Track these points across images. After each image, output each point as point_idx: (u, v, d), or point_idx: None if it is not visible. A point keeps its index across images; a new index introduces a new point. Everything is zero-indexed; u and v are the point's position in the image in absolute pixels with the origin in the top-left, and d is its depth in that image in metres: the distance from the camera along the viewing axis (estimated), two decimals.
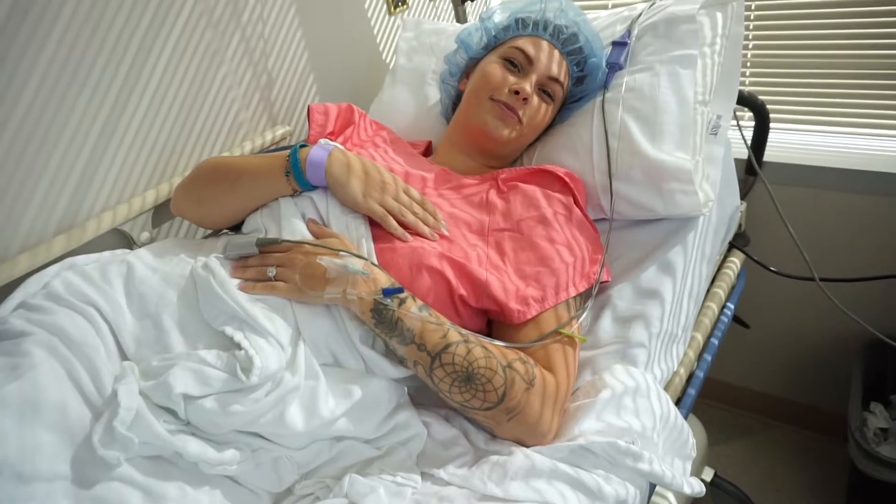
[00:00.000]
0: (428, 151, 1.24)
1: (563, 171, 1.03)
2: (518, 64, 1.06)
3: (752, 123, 1.43)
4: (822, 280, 1.24)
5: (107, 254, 0.95)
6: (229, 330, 0.78)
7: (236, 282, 0.84)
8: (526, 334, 0.87)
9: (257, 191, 0.94)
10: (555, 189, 1.01)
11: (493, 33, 1.11)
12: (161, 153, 1.15)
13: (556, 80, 1.06)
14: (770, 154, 1.49)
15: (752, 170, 1.44)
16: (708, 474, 1.40)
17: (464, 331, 0.81)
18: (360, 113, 1.18)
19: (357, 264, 0.82)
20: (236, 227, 1.02)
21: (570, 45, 1.07)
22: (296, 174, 0.90)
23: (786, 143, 1.59)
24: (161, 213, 1.15)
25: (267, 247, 0.88)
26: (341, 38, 1.45)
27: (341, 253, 0.84)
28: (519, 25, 1.09)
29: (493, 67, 1.06)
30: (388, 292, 0.81)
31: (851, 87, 1.48)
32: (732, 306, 1.30)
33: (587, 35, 1.09)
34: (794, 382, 1.80)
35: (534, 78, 1.04)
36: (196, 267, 0.86)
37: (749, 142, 1.40)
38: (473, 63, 1.14)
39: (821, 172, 1.50)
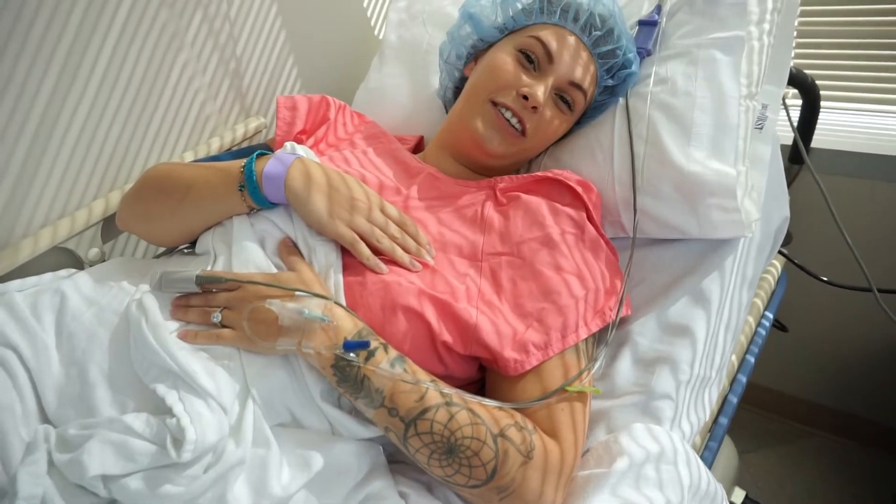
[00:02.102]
0: (419, 149, 1.07)
1: (574, 179, 0.85)
2: (535, 60, 0.86)
3: (798, 102, 1.23)
4: (881, 291, 1.05)
5: (48, 276, 0.83)
6: (161, 389, 0.66)
7: (175, 325, 0.70)
8: (524, 389, 0.72)
9: (207, 208, 0.79)
10: (564, 202, 0.84)
11: (511, 13, 0.91)
12: (111, 156, 0.99)
13: (578, 86, 0.87)
14: (817, 139, 1.28)
15: (796, 157, 1.25)
16: (738, 496, 1.26)
17: (447, 390, 0.67)
18: (339, 106, 1.01)
19: (315, 309, 0.67)
20: (196, 243, 0.88)
21: (602, 44, 0.88)
22: (251, 189, 0.75)
23: (836, 126, 1.38)
24: (112, 225, 1.01)
25: (208, 284, 0.73)
26: (324, 13, 1.26)
27: (298, 293, 0.69)
28: (544, 9, 0.88)
29: (503, 60, 0.87)
30: (350, 346, 0.66)
31: None
32: (771, 315, 1.13)
33: (623, 32, 0.88)
34: (836, 389, 1.63)
35: (551, 81, 0.85)
36: (132, 303, 0.72)
37: (795, 125, 1.20)
38: (484, 46, 0.95)
39: (877, 161, 1.29)
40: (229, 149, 1.12)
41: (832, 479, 1.59)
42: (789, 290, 1.25)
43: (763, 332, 1.09)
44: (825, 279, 1.19)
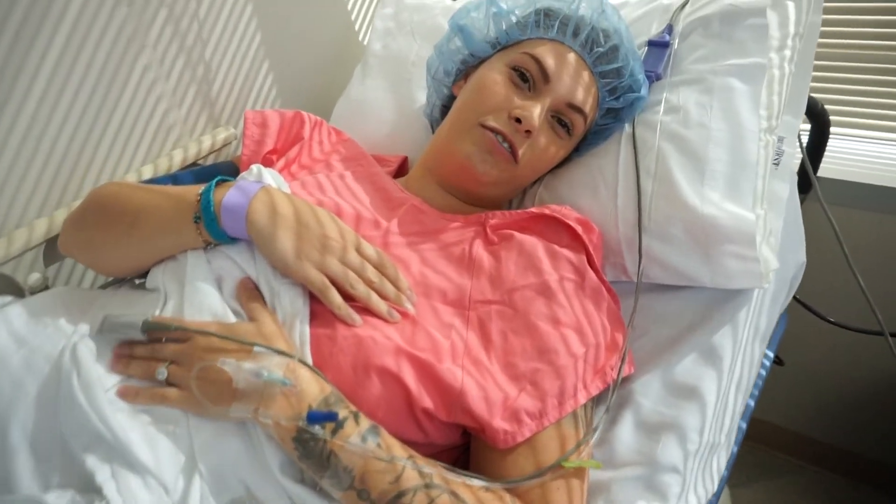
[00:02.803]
0: (402, 171, 0.97)
1: (574, 218, 0.77)
2: (530, 79, 0.78)
3: (806, 128, 1.15)
4: (892, 335, 0.98)
5: None
6: (92, 462, 0.56)
7: (114, 380, 0.61)
8: (515, 463, 0.63)
9: (157, 241, 0.70)
10: (562, 242, 0.75)
11: (504, 27, 0.82)
12: (58, 168, 0.89)
13: (578, 109, 0.78)
14: (824, 168, 1.21)
15: (804, 186, 1.17)
16: None
17: (426, 468, 0.58)
18: (315, 122, 0.91)
19: (276, 369, 0.58)
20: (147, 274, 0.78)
21: (606, 63, 0.79)
22: (208, 222, 0.66)
23: (845, 155, 1.31)
24: (57, 248, 0.90)
25: (156, 332, 0.63)
26: (304, 16, 1.16)
27: (257, 349, 0.60)
28: (540, 23, 0.79)
29: (493, 79, 0.78)
30: (314, 417, 0.57)
31: None
32: (771, 354, 1.06)
33: (630, 51, 0.80)
34: (826, 422, 1.58)
35: (548, 101, 0.77)
36: (65, 350, 0.62)
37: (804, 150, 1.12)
38: (475, 62, 0.86)
39: (886, 193, 1.22)
40: (194, 162, 1.02)
41: None
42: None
43: (763, 374, 1.02)
44: (832, 320, 1.11)
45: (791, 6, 0.82)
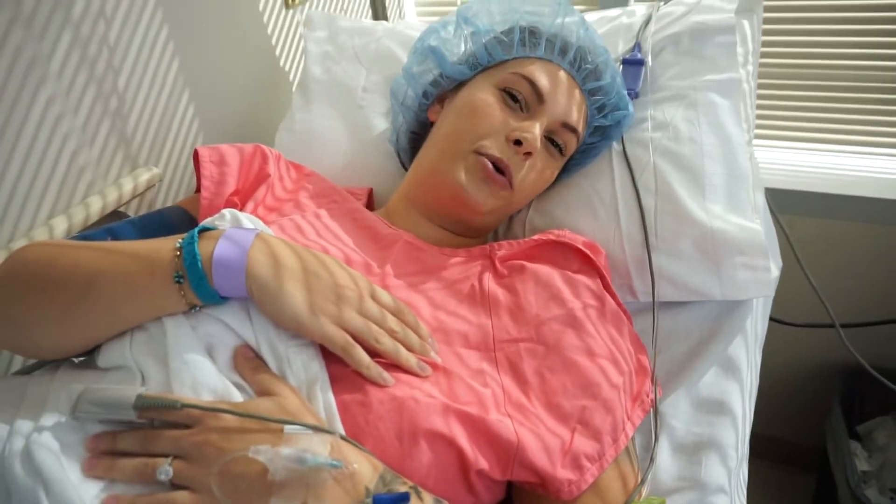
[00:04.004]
0: (370, 205, 0.89)
1: (581, 241, 0.73)
2: (521, 100, 0.74)
3: None
4: (843, 326, 1.04)
5: None
6: None
7: (96, 489, 0.48)
8: None
9: (122, 310, 0.57)
10: (573, 268, 0.72)
11: (486, 47, 0.77)
12: None
13: (572, 128, 0.75)
14: (772, 179, 1.25)
15: None
16: None
17: None
18: (276, 156, 0.81)
19: (320, 450, 0.48)
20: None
21: (593, 80, 0.77)
22: (195, 281, 0.54)
23: (788, 165, 1.33)
24: None
25: (154, 411, 0.50)
26: (221, 39, 1.04)
27: (288, 429, 0.49)
28: (526, 41, 0.76)
29: (486, 101, 0.73)
30: (383, 501, 0.47)
31: (860, 101, 1.25)
32: None
33: (613, 68, 0.79)
34: (761, 414, 1.67)
35: (544, 122, 0.73)
36: (11, 451, 0.49)
37: None
38: (451, 86, 0.81)
39: (829, 200, 1.25)
40: (115, 210, 0.86)
41: (756, 500, 1.63)
42: None
43: None
44: (790, 322, 1.19)
45: (746, 24, 0.86)
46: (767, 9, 1.14)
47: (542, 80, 0.73)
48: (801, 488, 1.60)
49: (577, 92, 0.76)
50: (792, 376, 1.52)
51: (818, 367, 1.47)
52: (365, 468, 0.49)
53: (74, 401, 0.51)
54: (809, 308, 1.10)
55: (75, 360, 0.64)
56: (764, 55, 1.19)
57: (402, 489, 0.49)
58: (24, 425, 0.52)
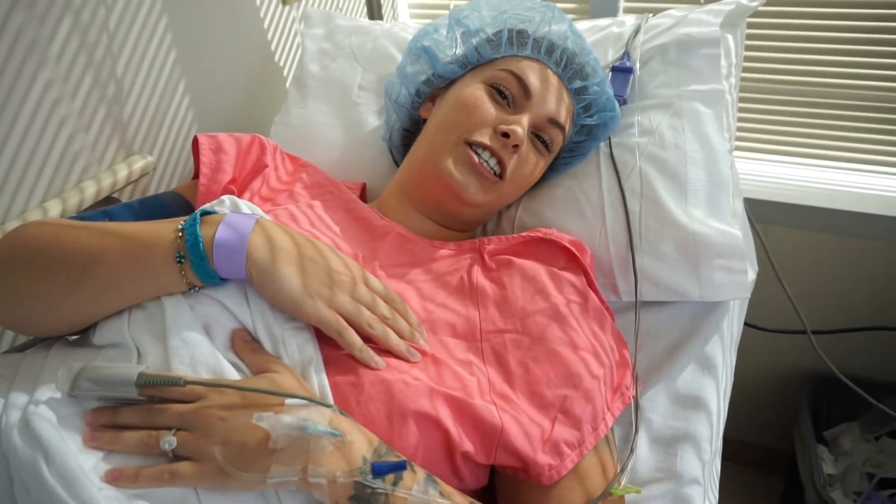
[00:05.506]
0: (363, 198, 0.91)
1: (567, 239, 0.76)
2: (509, 95, 0.76)
3: None
4: (815, 333, 1.08)
5: None
6: None
7: (93, 461, 0.49)
8: (560, 496, 0.60)
9: (124, 289, 0.58)
10: (559, 265, 0.75)
11: (476, 46, 0.80)
12: None
13: (559, 124, 0.78)
14: (750, 189, 1.28)
15: None
16: None
17: None
18: (273, 147, 0.82)
19: (320, 420, 0.50)
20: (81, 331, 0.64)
21: (578, 79, 0.80)
22: (196, 262, 0.56)
23: (766, 177, 1.36)
24: None
25: (156, 389, 0.52)
26: (219, 31, 1.06)
27: (289, 401, 0.51)
28: (514, 41, 0.79)
29: (475, 95, 0.76)
30: (381, 469, 0.50)
31: (836, 117, 1.29)
32: None
33: (599, 69, 0.82)
34: (735, 419, 1.71)
35: (531, 117, 0.76)
36: (8, 422, 0.50)
37: None
38: (442, 84, 0.83)
39: (806, 212, 1.27)
40: (109, 196, 0.87)
41: (726, 502, 1.66)
42: None
43: None
44: (763, 327, 1.23)
45: (730, 38, 0.89)
46: (750, 25, 1.18)
47: (530, 77, 0.76)
48: (769, 491, 1.64)
49: (563, 90, 0.79)
50: (763, 380, 1.57)
51: (789, 372, 1.52)
52: (361, 440, 0.51)
53: (73, 378, 0.52)
54: (783, 314, 1.14)
55: (70, 338, 0.65)
56: (745, 69, 1.23)
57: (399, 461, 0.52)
58: (19, 398, 0.53)
